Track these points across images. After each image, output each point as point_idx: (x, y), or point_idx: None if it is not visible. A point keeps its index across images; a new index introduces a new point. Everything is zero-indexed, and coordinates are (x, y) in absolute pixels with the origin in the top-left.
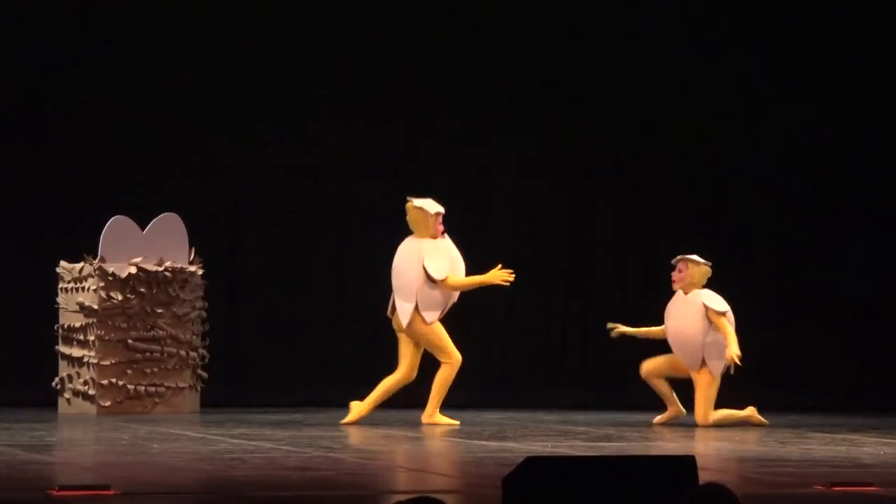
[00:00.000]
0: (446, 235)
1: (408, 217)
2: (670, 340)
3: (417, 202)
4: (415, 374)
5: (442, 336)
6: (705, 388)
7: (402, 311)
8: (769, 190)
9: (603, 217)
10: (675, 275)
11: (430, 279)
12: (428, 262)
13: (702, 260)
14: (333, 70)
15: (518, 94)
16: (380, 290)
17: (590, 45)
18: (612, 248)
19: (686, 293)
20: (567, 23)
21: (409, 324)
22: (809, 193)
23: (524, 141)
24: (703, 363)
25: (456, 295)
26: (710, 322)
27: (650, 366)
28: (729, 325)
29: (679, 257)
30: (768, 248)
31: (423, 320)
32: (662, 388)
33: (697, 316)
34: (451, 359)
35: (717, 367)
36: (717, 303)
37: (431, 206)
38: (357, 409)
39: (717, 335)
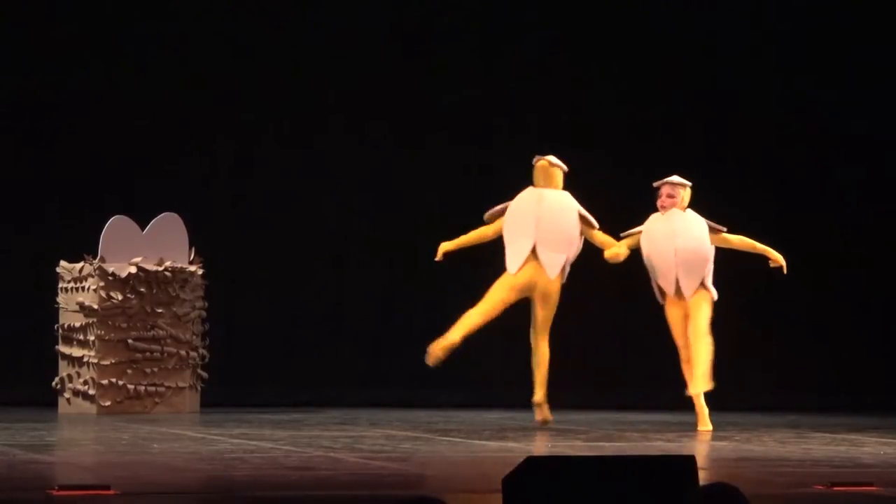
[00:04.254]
0: None
1: (541, 174)
2: (670, 261)
3: (554, 159)
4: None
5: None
6: (705, 309)
7: (553, 262)
8: (771, 187)
9: (603, 215)
10: (665, 200)
11: (585, 229)
12: (583, 210)
13: (686, 181)
14: (334, 71)
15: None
16: (380, 288)
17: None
18: None
19: (683, 210)
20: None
21: (557, 277)
22: (812, 192)
23: (524, 142)
24: (703, 285)
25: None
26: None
27: (682, 344)
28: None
29: (664, 181)
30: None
31: (564, 275)
32: (694, 356)
33: (704, 229)
34: (547, 334)
35: (714, 290)
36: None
37: (562, 164)
38: (446, 342)
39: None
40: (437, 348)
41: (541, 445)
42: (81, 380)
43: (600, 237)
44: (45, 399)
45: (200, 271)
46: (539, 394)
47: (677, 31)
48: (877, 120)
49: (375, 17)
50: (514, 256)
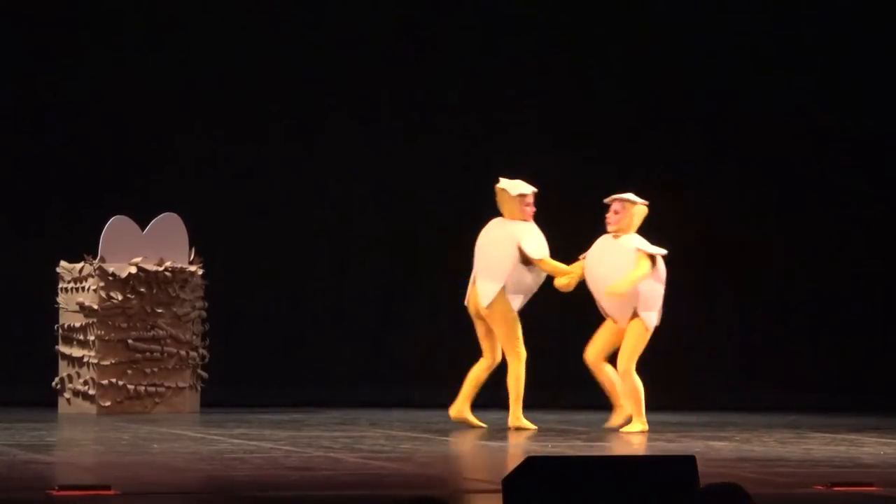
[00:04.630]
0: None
1: (497, 200)
2: (597, 288)
3: (502, 183)
4: (500, 356)
5: (517, 326)
6: (634, 337)
7: (486, 290)
8: (770, 188)
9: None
10: (609, 216)
11: (525, 260)
12: (524, 242)
13: (639, 199)
14: (334, 70)
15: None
16: (380, 289)
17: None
18: None
19: (616, 237)
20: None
21: (491, 304)
22: (813, 193)
23: (526, 140)
24: (635, 314)
25: (539, 282)
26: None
27: (592, 351)
28: (644, 269)
29: (614, 197)
30: (768, 246)
31: (508, 304)
32: (606, 380)
33: (630, 260)
34: (520, 350)
35: (651, 319)
36: (650, 247)
37: (514, 188)
38: (456, 411)
39: (652, 283)
40: (457, 411)
41: (541, 445)
42: (81, 380)
43: (548, 266)
44: (45, 399)
45: (200, 271)
46: (511, 418)
47: (681, 32)
48: (878, 120)
49: (377, 15)
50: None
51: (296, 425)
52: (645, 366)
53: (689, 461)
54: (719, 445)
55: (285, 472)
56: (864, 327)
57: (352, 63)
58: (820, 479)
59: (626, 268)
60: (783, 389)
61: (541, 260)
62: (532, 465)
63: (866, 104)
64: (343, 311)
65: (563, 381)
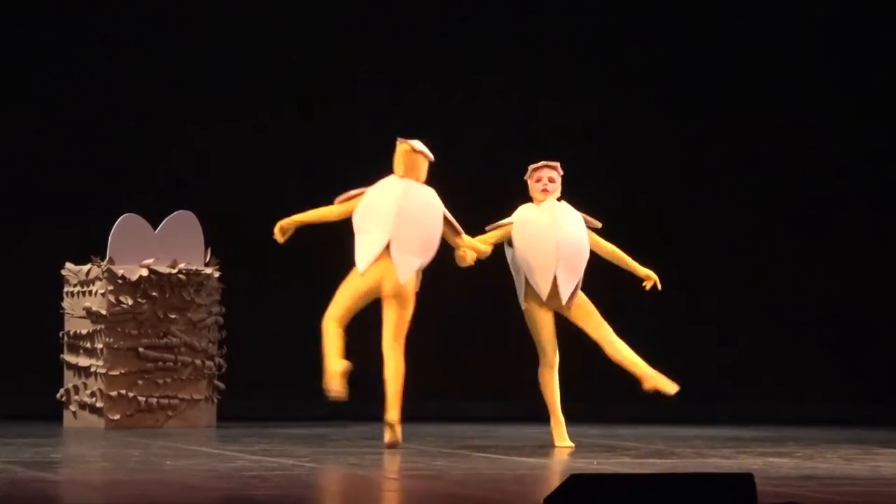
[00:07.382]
0: None
1: (404, 160)
2: (550, 255)
3: (418, 144)
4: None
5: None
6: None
7: (407, 264)
8: (808, 197)
9: (610, 217)
10: (548, 185)
11: (450, 235)
12: (449, 215)
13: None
14: (354, 66)
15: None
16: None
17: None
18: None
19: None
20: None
21: (406, 283)
22: (846, 202)
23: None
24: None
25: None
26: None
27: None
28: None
29: (543, 164)
30: (828, 253)
31: (418, 281)
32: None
33: (584, 228)
34: (403, 344)
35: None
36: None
37: (429, 153)
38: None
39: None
40: (335, 385)
41: (585, 462)
42: (88, 391)
43: (467, 243)
44: (49, 412)
45: (217, 274)
46: (392, 413)
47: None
48: (883, 125)
49: (410, 19)
50: (365, 252)
51: (320, 440)
52: (697, 379)
53: (746, 479)
54: (779, 462)
55: (308, 492)
56: None
57: (371, 60)
58: (890, 499)
59: (584, 231)
60: (848, 401)
61: (465, 236)
62: (576, 484)
63: (874, 109)
64: (370, 319)
65: (612, 394)
